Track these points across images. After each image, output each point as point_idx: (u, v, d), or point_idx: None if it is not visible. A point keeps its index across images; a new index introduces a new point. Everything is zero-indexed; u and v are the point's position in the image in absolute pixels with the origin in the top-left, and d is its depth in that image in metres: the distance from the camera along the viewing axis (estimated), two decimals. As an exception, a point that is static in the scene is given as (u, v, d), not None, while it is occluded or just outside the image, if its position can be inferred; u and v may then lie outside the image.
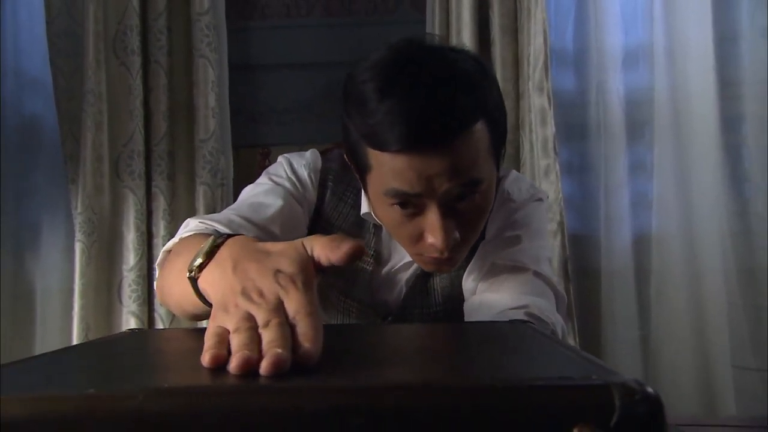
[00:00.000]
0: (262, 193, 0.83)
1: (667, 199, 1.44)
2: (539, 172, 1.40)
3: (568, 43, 1.52)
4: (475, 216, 0.72)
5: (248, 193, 0.85)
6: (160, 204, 1.42)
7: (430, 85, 0.65)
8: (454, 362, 0.40)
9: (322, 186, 0.86)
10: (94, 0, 1.37)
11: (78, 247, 1.37)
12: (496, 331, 0.51)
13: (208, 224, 0.73)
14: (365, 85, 0.68)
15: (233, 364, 0.34)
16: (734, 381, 1.36)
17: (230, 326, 0.40)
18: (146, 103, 1.43)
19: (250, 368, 0.34)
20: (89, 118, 1.37)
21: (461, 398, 0.29)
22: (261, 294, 0.43)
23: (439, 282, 0.86)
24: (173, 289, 0.61)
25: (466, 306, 0.81)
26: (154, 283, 0.75)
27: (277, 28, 1.54)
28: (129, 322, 1.39)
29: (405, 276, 0.86)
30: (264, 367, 0.34)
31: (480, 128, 0.68)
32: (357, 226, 0.84)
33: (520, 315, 0.71)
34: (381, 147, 0.67)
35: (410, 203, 0.69)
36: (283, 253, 0.46)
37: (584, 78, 1.49)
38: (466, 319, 0.79)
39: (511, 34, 1.43)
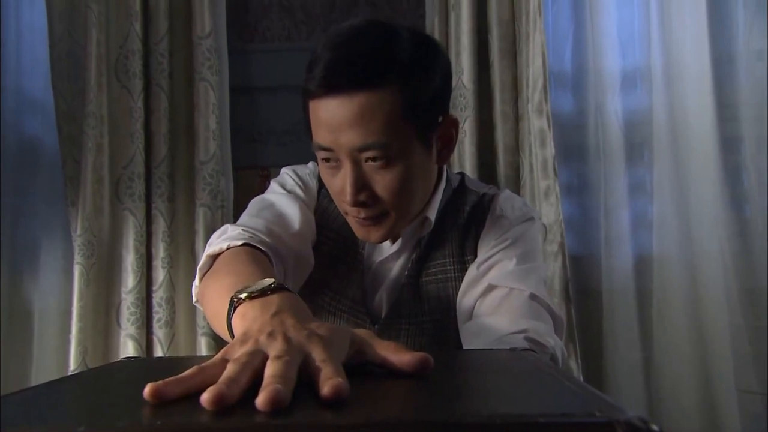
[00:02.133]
0: (282, 205, 0.85)
1: (667, 220, 1.43)
2: (539, 194, 1.40)
3: (566, 65, 1.53)
4: (390, 186, 0.75)
5: (264, 203, 0.87)
6: (160, 226, 1.42)
7: (351, 42, 0.73)
8: (451, 395, 0.39)
9: (319, 192, 0.90)
10: (97, 24, 1.38)
11: (77, 270, 1.36)
12: (497, 361, 0.50)
13: (251, 232, 0.75)
14: (313, 53, 0.75)
15: (203, 396, 0.34)
16: (739, 403, 1.35)
17: (232, 360, 0.40)
18: (147, 126, 1.43)
19: (221, 404, 0.33)
20: (90, 140, 1.37)
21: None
22: (287, 339, 0.42)
23: (427, 291, 0.86)
24: (212, 301, 0.65)
25: (465, 330, 0.81)
26: (194, 285, 0.77)
27: (277, 51, 1.56)
28: (127, 345, 1.38)
29: (394, 267, 0.87)
30: (260, 401, 0.33)
31: (389, 93, 0.72)
32: (346, 227, 0.86)
33: (519, 339, 0.71)
34: (308, 95, 0.75)
35: (331, 158, 0.76)
36: (328, 326, 0.46)
37: (583, 100, 1.49)
38: (464, 343, 0.79)
39: (510, 57, 1.44)
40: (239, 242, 0.73)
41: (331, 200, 0.86)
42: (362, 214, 0.77)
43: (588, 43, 1.48)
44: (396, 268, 0.87)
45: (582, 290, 1.46)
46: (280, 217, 0.83)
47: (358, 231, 0.81)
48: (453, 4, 1.45)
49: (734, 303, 1.39)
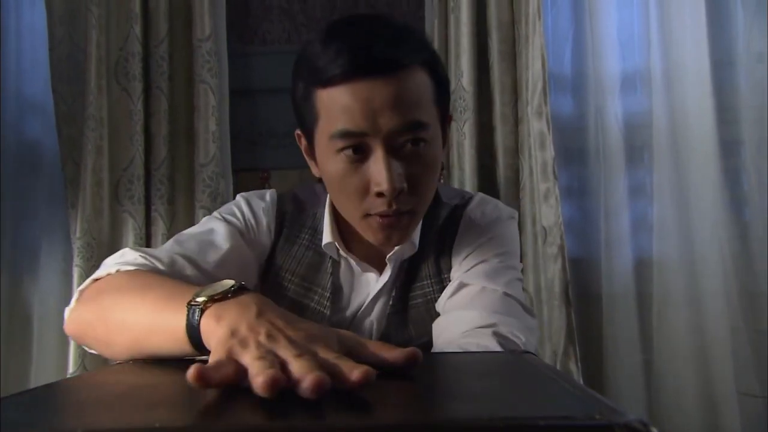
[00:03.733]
0: (212, 233, 0.79)
1: (667, 223, 1.43)
2: (539, 196, 1.40)
3: (566, 68, 1.53)
4: (421, 171, 0.71)
5: (198, 229, 0.81)
6: (160, 228, 1.42)
7: (370, 26, 0.70)
8: (452, 397, 0.39)
9: (277, 232, 0.84)
10: (97, 26, 1.38)
11: (76, 273, 1.36)
12: (497, 364, 0.50)
13: (149, 259, 0.70)
14: (311, 45, 0.71)
15: (260, 381, 0.34)
16: (740, 406, 1.34)
17: (249, 357, 0.40)
18: (147, 128, 1.44)
19: (277, 388, 0.34)
20: (90, 142, 1.37)
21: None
22: (291, 341, 0.42)
23: (411, 316, 0.83)
24: (136, 316, 0.58)
25: (435, 325, 0.78)
26: (68, 308, 0.68)
27: (278, 53, 1.56)
28: (126, 347, 1.37)
29: (374, 317, 0.83)
30: (305, 387, 0.34)
31: (422, 74, 0.70)
32: (312, 268, 0.82)
33: (487, 334, 0.69)
34: (329, 81, 0.67)
35: (356, 147, 0.68)
36: (317, 326, 0.46)
37: (582, 102, 1.50)
38: (434, 338, 0.77)
39: (510, 60, 1.44)
40: (132, 268, 0.68)
41: (293, 242, 0.82)
42: (394, 206, 0.70)
43: (587, 45, 1.48)
44: (375, 312, 0.84)
45: (582, 293, 1.46)
46: (200, 246, 0.76)
47: (377, 235, 0.74)
48: (453, 6, 1.45)
49: (734, 306, 1.39)
